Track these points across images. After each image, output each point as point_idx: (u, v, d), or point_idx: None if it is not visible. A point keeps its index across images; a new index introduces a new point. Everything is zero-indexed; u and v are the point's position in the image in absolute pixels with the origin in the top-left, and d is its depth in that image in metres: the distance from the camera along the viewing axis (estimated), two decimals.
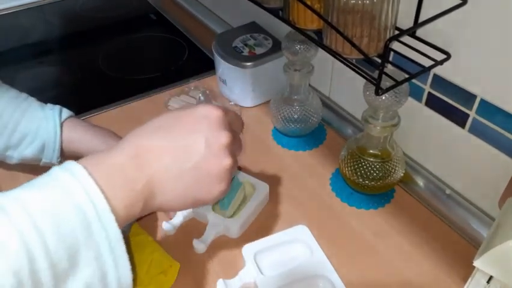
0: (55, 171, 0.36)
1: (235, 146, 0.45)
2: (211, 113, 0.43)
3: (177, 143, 0.41)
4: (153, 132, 0.42)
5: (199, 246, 0.59)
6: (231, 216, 0.61)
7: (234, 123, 0.47)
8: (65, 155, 0.64)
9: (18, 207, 0.32)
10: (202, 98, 0.49)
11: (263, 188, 0.65)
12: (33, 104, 0.63)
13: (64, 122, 0.63)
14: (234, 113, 0.48)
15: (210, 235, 0.60)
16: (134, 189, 0.38)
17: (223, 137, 0.42)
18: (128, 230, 0.59)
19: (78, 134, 0.64)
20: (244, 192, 0.64)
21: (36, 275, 0.31)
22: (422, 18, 0.50)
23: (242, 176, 0.67)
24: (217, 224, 0.61)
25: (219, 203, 0.61)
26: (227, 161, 0.42)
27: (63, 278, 0.33)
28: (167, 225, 0.62)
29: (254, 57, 0.79)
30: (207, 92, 0.51)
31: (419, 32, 0.53)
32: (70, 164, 0.37)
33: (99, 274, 0.35)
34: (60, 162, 0.61)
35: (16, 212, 0.32)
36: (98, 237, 0.34)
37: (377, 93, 0.48)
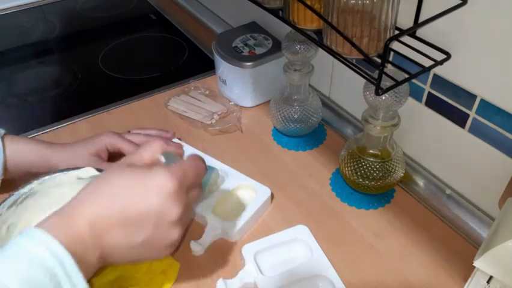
0: (17, 241, 0.38)
1: (187, 215, 0.46)
2: (165, 185, 0.43)
3: (128, 217, 0.42)
4: (106, 199, 0.43)
5: (197, 248, 0.59)
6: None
7: (192, 175, 0.47)
8: (10, 170, 0.63)
9: None
10: (163, 159, 0.49)
11: (264, 192, 0.65)
12: None
13: (3, 137, 0.63)
14: (194, 161, 0.48)
15: (208, 238, 0.60)
16: (92, 254, 0.41)
17: (174, 212, 0.43)
18: None
19: (21, 146, 0.63)
20: (218, 178, 0.66)
21: None
22: (422, 18, 0.50)
23: (243, 179, 0.67)
24: (215, 227, 0.61)
25: None
26: (175, 235, 0.45)
27: None
28: None
29: (254, 57, 0.79)
30: (175, 144, 0.53)
31: (419, 32, 0.53)
32: (32, 231, 0.39)
33: None
34: (3, 180, 0.62)
35: None
36: None
37: (377, 93, 0.48)
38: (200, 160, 0.49)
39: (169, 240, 0.45)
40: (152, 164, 0.46)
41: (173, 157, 0.55)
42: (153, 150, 0.48)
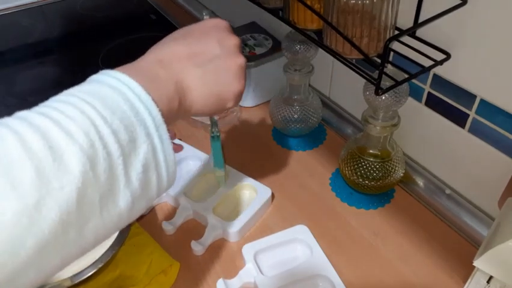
0: (88, 79, 0.39)
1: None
2: (219, 22, 0.47)
3: (193, 48, 0.44)
4: (169, 42, 0.45)
5: (197, 248, 0.59)
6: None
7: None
8: None
9: (66, 94, 0.36)
10: (207, 16, 0.53)
11: (265, 192, 0.65)
12: None
13: None
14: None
15: (208, 238, 0.60)
16: (167, 84, 0.41)
17: (234, 39, 0.46)
18: (128, 231, 0.59)
19: None
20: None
21: (104, 141, 0.33)
22: (422, 18, 0.50)
23: (244, 179, 0.67)
24: (216, 227, 0.61)
25: (213, 165, 0.65)
26: (241, 59, 0.46)
27: (127, 151, 0.35)
28: (167, 225, 0.62)
29: (254, 57, 0.79)
30: (211, 12, 0.55)
31: (419, 32, 0.53)
32: (102, 71, 0.39)
33: (151, 150, 0.37)
34: None
35: (65, 97, 0.35)
36: (144, 115, 0.36)
37: (377, 93, 0.48)
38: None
39: (237, 65, 0.45)
40: None
41: None
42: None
